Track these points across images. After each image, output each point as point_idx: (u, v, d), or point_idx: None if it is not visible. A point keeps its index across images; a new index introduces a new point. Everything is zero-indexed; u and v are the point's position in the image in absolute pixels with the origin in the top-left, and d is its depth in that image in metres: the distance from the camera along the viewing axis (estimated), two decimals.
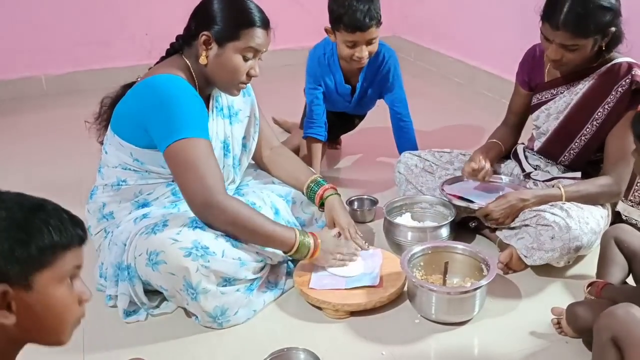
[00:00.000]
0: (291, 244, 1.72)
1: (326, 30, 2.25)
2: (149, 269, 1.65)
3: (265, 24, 1.72)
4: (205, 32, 1.68)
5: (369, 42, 2.18)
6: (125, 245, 1.71)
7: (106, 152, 1.79)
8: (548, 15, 1.80)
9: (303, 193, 1.99)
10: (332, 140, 2.72)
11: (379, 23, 2.17)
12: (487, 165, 2.04)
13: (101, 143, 1.87)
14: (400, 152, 2.40)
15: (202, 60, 1.70)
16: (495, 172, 2.16)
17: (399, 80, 2.41)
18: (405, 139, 2.45)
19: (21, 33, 3.66)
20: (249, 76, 1.74)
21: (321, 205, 1.97)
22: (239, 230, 1.67)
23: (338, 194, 1.98)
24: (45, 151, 2.97)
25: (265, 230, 1.68)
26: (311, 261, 1.80)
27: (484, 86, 3.47)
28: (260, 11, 1.72)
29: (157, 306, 1.78)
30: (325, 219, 1.97)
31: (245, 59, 1.71)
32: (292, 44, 3.69)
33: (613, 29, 1.80)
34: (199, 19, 1.72)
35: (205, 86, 1.78)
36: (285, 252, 1.75)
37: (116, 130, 1.75)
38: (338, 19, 2.15)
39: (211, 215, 1.63)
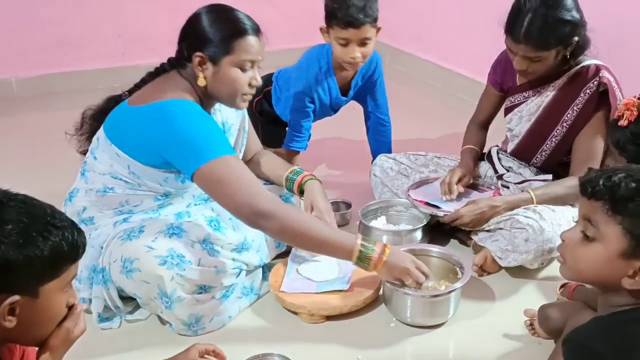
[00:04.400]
0: (349, 252, 1.61)
1: (321, 29, 2.17)
2: (123, 277, 1.63)
3: (256, 31, 1.67)
4: (197, 54, 1.63)
5: (362, 43, 2.10)
6: (101, 247, 1.69)
7: (95, 158, 1.73)
8: (510, 29, 1.84)
9: (283, 186, 1.96)
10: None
11: (374, 22, 2.09)
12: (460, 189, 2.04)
13: (82, 153, 1.83)
14: (374, 155, 2.41)
15: (201, 81, 1.66)
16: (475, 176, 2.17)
17: (384, 86, 2.39)
18: (382, 143, 2.45)
19: None
20: (251, 86, 1.70)
21: (302, 193, 1.93)
22: (294, 237, 1.61)
23: (318, 180, 1.93)
24: (17, 156, 2.90)
25: (320, 237, 1.59)
26: (376, 272, 1.66)
27: (459, 89, 3.50)
28: (249, 18, 1.68)
29: (132, 312, 1.76)
30: (304, 204, 1.92)
31: (244, 70, 1.66)
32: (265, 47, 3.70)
33: (576, 38, 1.84)
34: (189, 41, 1.67)
35: (208, 105, 1.74)
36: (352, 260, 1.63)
37: (115, 142, 1.68)
38: (332, 14, 2.08)
39: (263, 223, 1.56)
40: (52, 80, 3.71)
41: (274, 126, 2.45)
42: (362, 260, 1.62)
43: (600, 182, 1.11)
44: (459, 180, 2.05)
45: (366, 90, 2.38)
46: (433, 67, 3.75)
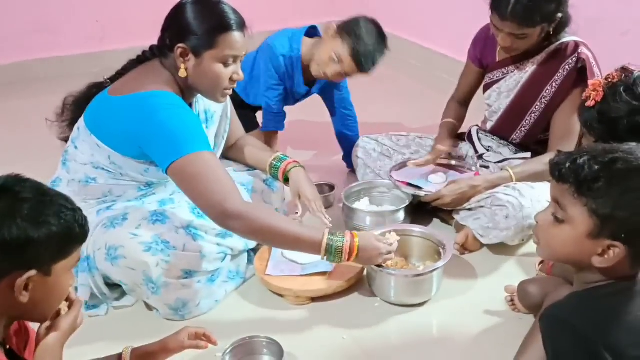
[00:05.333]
0: (317, 247, 1.61)
1: (329, 28, 2.15)
2: (108, 264, 1.64)
3: (241, 26, 1.64)
4: (180, 45, 1.60)
5: (348, 75, 2.19)
6: None
7: (76, 147, 1.71)
8: (496, 6, 1.85)
9: (266, 172, 1.97)
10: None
11: (372, 71, 2.17)
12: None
13: (63, 140, 1.81)
14: (343, 148, 2.44)
15: (182, 73, 1.63)
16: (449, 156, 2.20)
17: (346, 80, 2.39)
18: (350, 137, 2.44)
19: None
20: (233, 81, 1.68)
21: (286, 181, 1.94)
22: (262, 237, 1.62)
23: (302, 166, 1.94)
24: None
25: (289, 235, 1.60)
26: (353, 262, 1.68)
27: (440, 69, 3.50)
28: (234, 12, 1.64)
29: (118, 298, 1.77)
30: (290, 192, 1.93)
31: (226, 65, 1.64)
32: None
33: (560, 15, 1.86)
34: (173, 31, 1.64)
35: (190, 95, 1.73)
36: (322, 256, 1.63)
37: (95, 132, 1.66)
38: (349, 36, 2.11)
39: (231, 224, 1.56)
40: (29, 67, 3.66)
41: (240, 110, 2.43)
42: (333, 253, 1.61)
43: (567, 165, 1.14)
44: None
45: (332, 86, 2.37)
46: (414, 46, 3.75)
